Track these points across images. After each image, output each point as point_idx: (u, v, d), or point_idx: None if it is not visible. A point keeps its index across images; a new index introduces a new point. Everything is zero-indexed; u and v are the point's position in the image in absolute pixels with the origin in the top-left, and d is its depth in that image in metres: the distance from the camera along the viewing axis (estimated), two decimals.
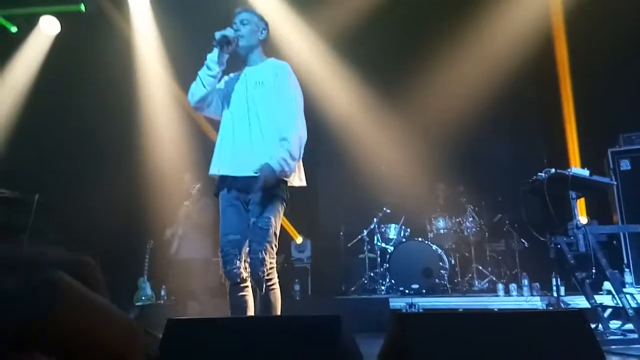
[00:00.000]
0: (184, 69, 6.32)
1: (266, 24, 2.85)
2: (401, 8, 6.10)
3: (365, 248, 6.06)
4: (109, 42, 6.49)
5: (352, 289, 5.95)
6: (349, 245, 6.31)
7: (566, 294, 4.46)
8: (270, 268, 2.56)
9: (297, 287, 5.81)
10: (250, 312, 2.61)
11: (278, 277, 2.63)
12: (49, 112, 6.22)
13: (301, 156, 2.68)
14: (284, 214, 2.69)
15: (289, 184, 2.70)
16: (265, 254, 2.52)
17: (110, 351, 0.48)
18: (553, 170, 3.94)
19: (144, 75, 6.85)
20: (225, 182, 2.66)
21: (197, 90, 2.70)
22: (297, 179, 2.76)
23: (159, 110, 6.87)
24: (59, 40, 6.63)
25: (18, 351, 0.43)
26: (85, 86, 6.38)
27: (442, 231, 5.78)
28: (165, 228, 5.58)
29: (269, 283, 2.56)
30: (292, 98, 2.69)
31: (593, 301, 3.68)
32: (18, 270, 0.49)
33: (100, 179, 6.04)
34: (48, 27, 6.56)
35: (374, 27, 6.21)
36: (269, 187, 2.52)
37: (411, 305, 4.58)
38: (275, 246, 2.60)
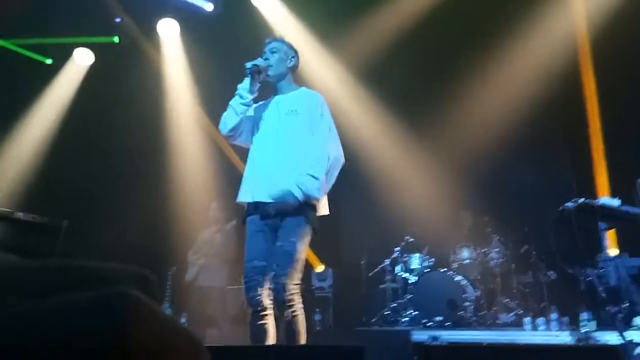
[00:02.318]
0: (212, 97, 6.50)
1: (296, 52, 2.94)
2: (426, 39, 6.15)
3: (387, 278, 5.96)
4: (140, 72, 6.73)
5: (374, 320, 5.83)
6: (370, 274, 6.22)
7: (597, 329, 4.29)
8: (294, 293, 2.54)
9: (317, 317, 5.73)
10: (271, 340, 2.58)
11: None
12: (80, 141, 6.43)
13: (333, 180, 2.76)
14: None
15: (318, 214, 2.71)
16: (288, 278, 2.51)
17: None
18: (582, 200, 3.86)
19: (173, 103, 7.05)
20: (256, 208, 2.68)
21: (229, 119, 2.75)
22: (323, 209, 2.78)
23: (187, 139, 7.04)
24: (92, 71, 6.91)
25: None
26: (116, 115, 6.60)
27: (466, 262, 5.66)
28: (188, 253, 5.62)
29: (292, 309, 2.53)
30: (326, 128, 2.77)
31: (624, 337, 3.54)
32: (86, 284, 0.49)
33: (128, 205, 6.17)
34: (82, 59, 6.86)
35: (399, 56, 6.27)
36: (299, 212, 2.57)
37: (435, 338, 4.45)
38: (300, 272, 2.58)
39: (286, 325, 2.55)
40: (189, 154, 7.00)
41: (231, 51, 5.77)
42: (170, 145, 6.98)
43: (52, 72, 6.81)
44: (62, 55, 6.80)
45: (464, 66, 6.17)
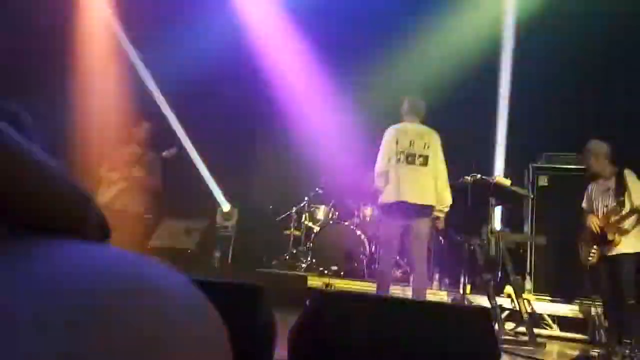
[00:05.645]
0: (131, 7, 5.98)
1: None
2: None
3: (292, 225, 6.10)
4: None
5: (273, 262, 5.99)
6: (277, 219, 6.32)
7: (471, 292, 4.78)
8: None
9: (217, 255, 5.75)
10: None
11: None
12: None
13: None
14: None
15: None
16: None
17: (57, 218, 0.39)
18: (478, 175, 4.17)
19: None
20: (398, 207, 3.77)
21: None
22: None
23: (103, 56, 6.41)
24: None
25: None
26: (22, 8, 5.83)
27: (368, 219, 5.93)
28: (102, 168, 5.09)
29: None
30: (443, 160, 4.00)
31: (494, 302, 3.97)
32: None
33: (39, 112, 5.56)
34: None
35: (334, 6, 6.17)
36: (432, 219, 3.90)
37: (328, 285, 4.71)
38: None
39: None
40: (104, 71, 6.41)
41: None
42: (83, 60, 6.35)
43: None
44: None
45: (397, 27, 6.22)
